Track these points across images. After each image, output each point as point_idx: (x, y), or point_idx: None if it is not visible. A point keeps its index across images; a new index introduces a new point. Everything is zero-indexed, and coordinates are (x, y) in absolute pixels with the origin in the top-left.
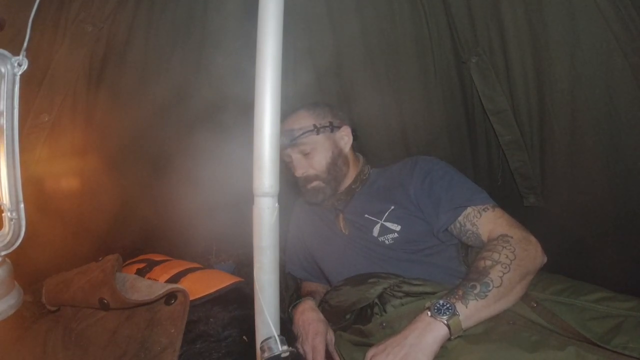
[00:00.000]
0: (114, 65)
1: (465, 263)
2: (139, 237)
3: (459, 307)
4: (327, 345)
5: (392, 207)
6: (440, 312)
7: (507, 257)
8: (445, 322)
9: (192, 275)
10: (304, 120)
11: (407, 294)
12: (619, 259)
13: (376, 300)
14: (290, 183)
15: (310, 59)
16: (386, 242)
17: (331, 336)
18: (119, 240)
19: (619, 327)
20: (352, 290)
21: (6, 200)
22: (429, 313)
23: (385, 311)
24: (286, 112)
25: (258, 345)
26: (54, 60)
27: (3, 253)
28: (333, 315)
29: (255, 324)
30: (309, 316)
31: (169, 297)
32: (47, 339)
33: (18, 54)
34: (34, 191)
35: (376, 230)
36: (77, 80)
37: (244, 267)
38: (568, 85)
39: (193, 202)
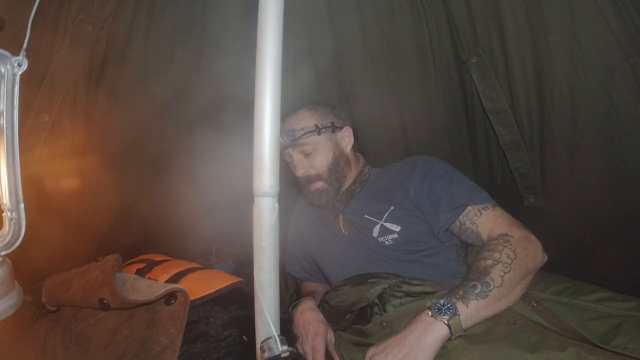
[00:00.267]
0: (114, 65)
1: (466, 263)
2: (139, 237)
3: (460, 306)
4: (327, 346)
5: (392, 208)
6: (441, 312)
7: (508, 256)
8: (446, 322)
9: (192, 275)
10: (306, 120)
11: (407, 294)
12: (619, 259)
13: (376, 300)
14: (291, 183)
15: (310, 59)
16: (386, 242)
17: (331, 336)
18: (119, 240)
19: (619, 328)
20: (352, 290)
21: (6, 200)
22: (429, 313)
23: (385, 311)
24: (287, 111)
25: (258, 345)
26: (54, 60)
27: (3, 253)
28: (333, 315)
29: (255, 324)
30: (309, 316)
31: (169, 297)
32: (47, 339)
33: (18, 54)
34: (34, 191)
35: (376, 231)
36: (77, 80)
37: (244, 267)
38: (568, 85)
39: (193, 202)
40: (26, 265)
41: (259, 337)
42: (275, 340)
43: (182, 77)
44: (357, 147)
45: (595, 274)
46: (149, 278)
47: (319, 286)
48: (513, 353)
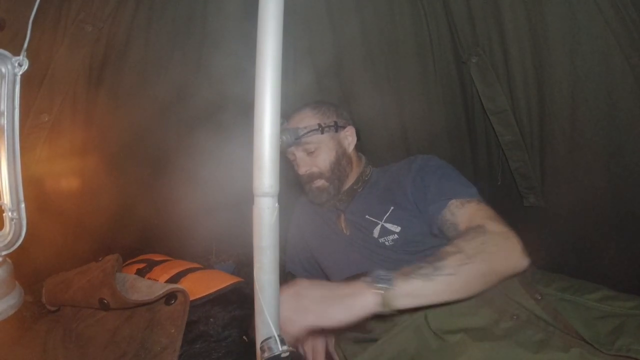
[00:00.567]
0: (114, 65)
1: None
2: (139, 237)
3: (399, 282)
4: (327, 346)
5: (392, 208)
6: (377, 281)
7: (473, 248)
8: (377, 291)
9: (192, 275)
10: (309, 119)
11: None
12: (619, 258)
13: None
14: (291, 183)
15: (310, 59)
16: (386, 243)
17: (331, 336)
18: (119, 240)
19: (622, 328)
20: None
21: (7, 200)
22: (363, 282)
23: None
24: (290, 110)
25: (258, 345)
26: (54, 60)
27: (4, 253)
28: None
29: (255, 324)
30: None
31: (169, 297)
32: (47, 339)
33: (18, 54)
34: (34, 191)
35: (376, 232)
36: (77, 80)
37: (244, 267)
38: (568, 85)
39: (193, 202)
40: (26, 265)
41: (259, 337)
42: (275, 340)
43: (182, 77)
44: (359, 146)
45: (596, 274)
46: (149, 278)
47: None
48: (517, 352)
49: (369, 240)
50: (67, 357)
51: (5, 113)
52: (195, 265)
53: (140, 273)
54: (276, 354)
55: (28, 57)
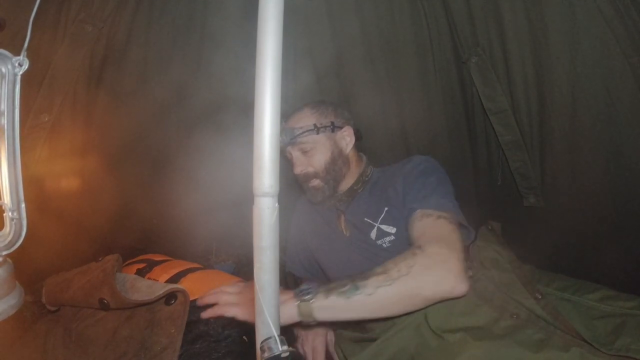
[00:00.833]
0: (114, 65)
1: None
2: (139, 237)
3: (320, 297)
4: (327, 346)
5: (386, 209)
6: (300, 294)
7: (399, 270)
8: (297, 304)
9: (192, 275)
10: (306, 119)
11: None
12: (619, 258)
13: None
14: (291, 183)
15: (310, 59)
16: (384, 245)
17: (331, 337)
18: (119, 240)
19: (622, 327)
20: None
21: (7, 200)
22: (294, 291)
23: None
24: (289, 110)
25: (258, 345)
26: (54, 60)
27: (4, 253)
28: None
29: (256, 324)
30: None
31: (169, 297)
32: (47, 339)
33: (18, 54)
34: (34, 191)
35: (374, 234)
36: (77, 80)
37: (244, 267)
38: (568, 85)
39: (193, 202)
40: (26, 265)
41: (259, 337)
42: (275, 340)
43: (182, 77)
44: (360, 147)
45: (595, 274)
46: (149, 278)
47: None
48: (516, 351)
49: (368, 242)
50: (67, 357)
51: (6, 113)
52: (195, 265)
53: (140, 273)
54: (276, 354)
55: (28, 57)
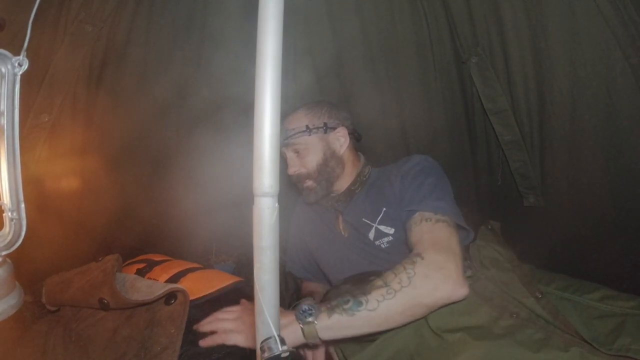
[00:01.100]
0: (114, 65)
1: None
2: (139, 237)
3: (322, 316)
4: (326, 346)
5: (385, 209)
6: (302, 316)
7: (399, 282)
8: (301, 326)
9: (192, 275)
10: (299, 120)
11: None
12: (619, 258)
13: None
14: (291, 183)
15: (310, 59)
16: (382, 245)
17: None
18: (119, 240)
19: (621, 327)
20: (352, 289)
21: (7, 200)
22: (295, 313)
23: None
24: (287, 111)
25: (258, 345)
26: (54, 60)
27: (4, 253)
28: None
29: (256, 324)
30: None
31: (169, 297)
32: (47, 339)
33: (18, 54)
34: (34, 191)
35: (372, 234)
36: (77, 80)
37: (244, 267)
38: (568, 85)
39: (193, 202)
40: (26, 265)
41: (259, 337)
42: (275, 340)
43: (182, 77)
44: (359, 147)
45: (595, 274)
46: (149, 278)
47: (320, 286)
48: (516, 351)
49: (366, 242)
50: (67, 357)
51: (5, 113)
52: (195, 265)
53: (140, 273)
54: (276, 354)
55: (28, 57)
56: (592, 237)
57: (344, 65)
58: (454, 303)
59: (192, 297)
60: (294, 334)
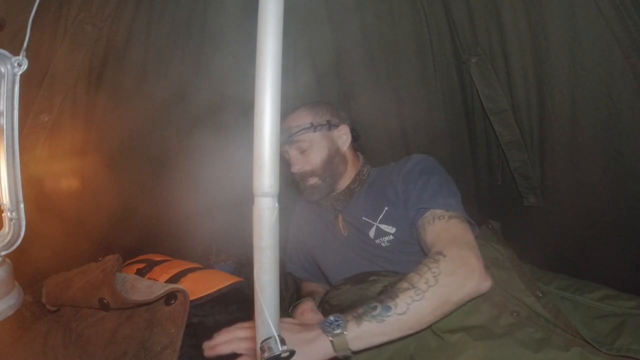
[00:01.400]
0: (114, 65)
1: None
2: (139, 237)
3: (351, 326)
4: None
5: (386, 209)
6: (330, 327)
7: (426, 282)
8: (331, 338)
9: (192, 275)
10: (302, 118)
11: None
12: (619, 258)
13: None
14: (291, 183)
15: (310, 59)
16: (382, 244)
17: None
18: (119, 240)
19: (622, 327)
20: (352, 289)
21: (6, 200)
22: (320, 326)
23: None
24: (287, 111)
25: (258, 345)
26: (54, 60)
27: (3, 253)
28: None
29: (256, 324)
30: (308, 317)
31: (169, 297)
32: (47, 339)
33: (18, 54)
34: (34, 191)
35: (372, 233)
36: (77, 80)
37: (244, 267)
38: (568, 85)
39: (193, 202)
40: (26, 265)
41: (259, 337)
42: (275, 340)
43: (182, 77)
44: (358, 146)
45: (595, 274)
46: (149, 278)
47: (319, 286)
48: (517, 351)
49: (366, 241)
50: (67, 357)
51: (5, 113)
52: (195, 265)
53: (140, 273)
54: (276, 354)
55: (28, 57)
56: (592, 237)
57: (344, 65)
58: (477, 297)
59: (192, 297)
60: (324, 348)
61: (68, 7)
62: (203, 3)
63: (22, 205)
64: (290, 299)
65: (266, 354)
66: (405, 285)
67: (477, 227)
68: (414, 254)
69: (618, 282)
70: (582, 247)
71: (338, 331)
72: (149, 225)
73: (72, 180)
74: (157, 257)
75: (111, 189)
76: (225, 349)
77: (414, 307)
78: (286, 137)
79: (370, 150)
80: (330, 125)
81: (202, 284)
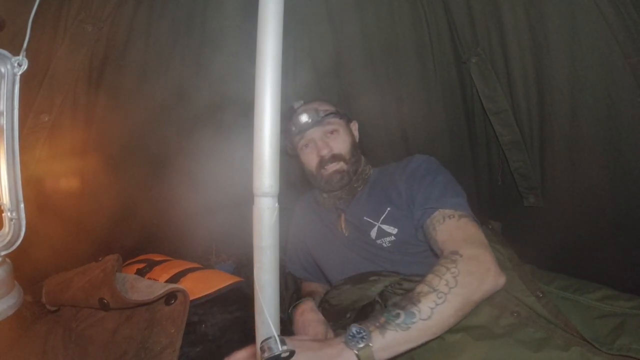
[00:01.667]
0: (114, 65)
1: None
2: (139, 237)
3: (375, 336)
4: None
5: (388, 209)
6: (353, 340)
7: (446, 283)
8: (356, 352)
9: (192, 275)
10: (326, 105)
11: (408, 291)
12: (619, 258)
13: (377, 298)
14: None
15: (310, 59)
16: (384, 245)
17: (331, 336)
18: (119, 240)
19: (622, 327)
20: (352, 289)
21: (6, 200)
22: (342, 339)
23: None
24: (307, 100)
25: (258, 345)
26: (54, 60)
27: (3, 253)
28: (334, 314)
29: (255, 324)
30: (308, 317)
31: (169, 297)
32: (47, 339)
33: (18, 54)
34: (33, 191)
35: (374, 233)
36: (77, 80)
37: (244, 267)
38: (568, 85)
39: (193, 202)
40: (26, 265)
41: (259, 337)
42: (275, 340)
43: (182, 77)
44: (359, 146)
45: (595, 274)
46: (149, 278)
47: (319, 286)
48: (517, 351)
49: (367, 241)
50: (67, 357)
51: (5, 113)
52: (195, 265)
53: (140, 273)
54: (276, 354)
55: (28, 57)
56: (592, 237)
57: (344, 65)
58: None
59: (192, 297)
60: None
61: (68, 7)
62: (203, 3)
63: (22, 205)
64: (290, 299)
65: (266, 354)
66: (425, 289)
67: (481, 226)
68: (414, 255)
69: (618, 282)
70: (582, 247)
71: (362, 344)
72: (149, 225)
73: (72, 181)
74: (157, 257)
75: (111, 189)
76: None
77: (437, 310)
78: (315, 119)
79: (370, 150)
80: (348, 118)
81: (202, 284)
